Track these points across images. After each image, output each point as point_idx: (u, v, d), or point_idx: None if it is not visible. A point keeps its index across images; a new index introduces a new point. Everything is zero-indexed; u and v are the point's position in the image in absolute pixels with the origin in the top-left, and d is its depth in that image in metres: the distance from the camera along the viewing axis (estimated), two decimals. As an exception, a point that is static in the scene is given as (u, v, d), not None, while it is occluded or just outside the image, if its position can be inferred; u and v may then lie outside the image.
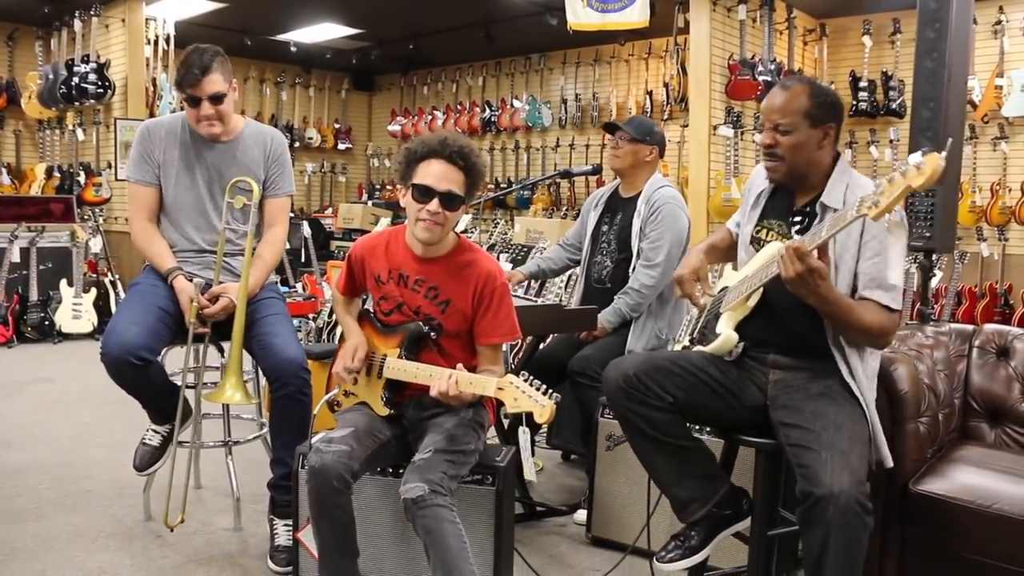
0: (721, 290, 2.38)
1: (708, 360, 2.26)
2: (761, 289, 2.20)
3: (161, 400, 2.89)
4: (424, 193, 2.27)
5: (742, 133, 6.97)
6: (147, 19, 7.74)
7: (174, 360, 2.99)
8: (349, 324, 2.55)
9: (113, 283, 6.61)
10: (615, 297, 3.34)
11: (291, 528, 2.80)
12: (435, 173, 2.28)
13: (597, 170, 3.39)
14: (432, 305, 2.40)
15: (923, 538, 2.43)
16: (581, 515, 3.17)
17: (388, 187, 11.32)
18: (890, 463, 2.18)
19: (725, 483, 2.26)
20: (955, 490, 2.37)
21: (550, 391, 2.08)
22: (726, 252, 2.52)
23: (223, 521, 3.12)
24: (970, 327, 3.04)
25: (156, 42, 7.72)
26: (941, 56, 3.17)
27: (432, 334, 2.40)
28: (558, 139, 9.57)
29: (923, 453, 2.55)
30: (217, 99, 2.81)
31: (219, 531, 3.05)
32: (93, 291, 6.69)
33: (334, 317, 5.49)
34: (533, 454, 2.66)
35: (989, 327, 3.03)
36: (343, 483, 2.14)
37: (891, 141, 7.35)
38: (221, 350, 3.10)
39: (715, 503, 2.22)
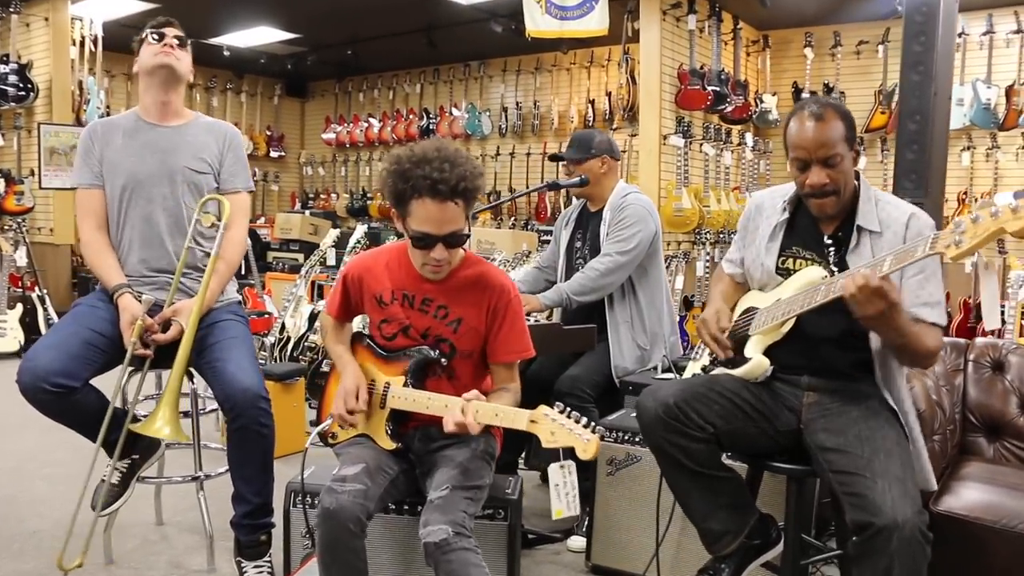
0: (746, 311, 2.28)
1: (740, 384, 2.16)
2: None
3: (107, 432, 2.60)
4: (425, 242, 2.09)
5: (691, 143, 6.98)
6: (72, 18, 7.31)
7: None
8: (343, 356, 2.35)
9: (41, 298, 6.20)
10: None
11: (262, 570, 2.62)
12: (433, 217, 2.05)
13: (585, 182, 3.29)
14: (443, 325, 2.24)
15: (945, 559, 2.37)
16: (575, 542, 3.05)
17: (322, 196, 11.05)
18: (934, 486, 2.12)
19: (755, 512, 2.16)
20: (977, 510, 2.33)
21: (592, 423, 1.94)
22: (737, 293, 2.43)
23: (194, 562, 2.88)
24: (963, 340, 3.03)
25: (82, 43, 7.30)
26: (927, 69, 3.16)
27: (443, 359, 2.23)
28: (498, 148, 9.47)
29: (937, 471, 2.51)
30: (181, 41, 2.73)
31: (192, 573, 2.81)
32: (19, 307, 6.26)
33: (286, 333, 5.25)
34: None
35: (981, 340, 3.03)
36: (359, 525, 1.97)
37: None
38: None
39: (746, 534, 2.12)
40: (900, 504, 1.78)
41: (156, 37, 2.69)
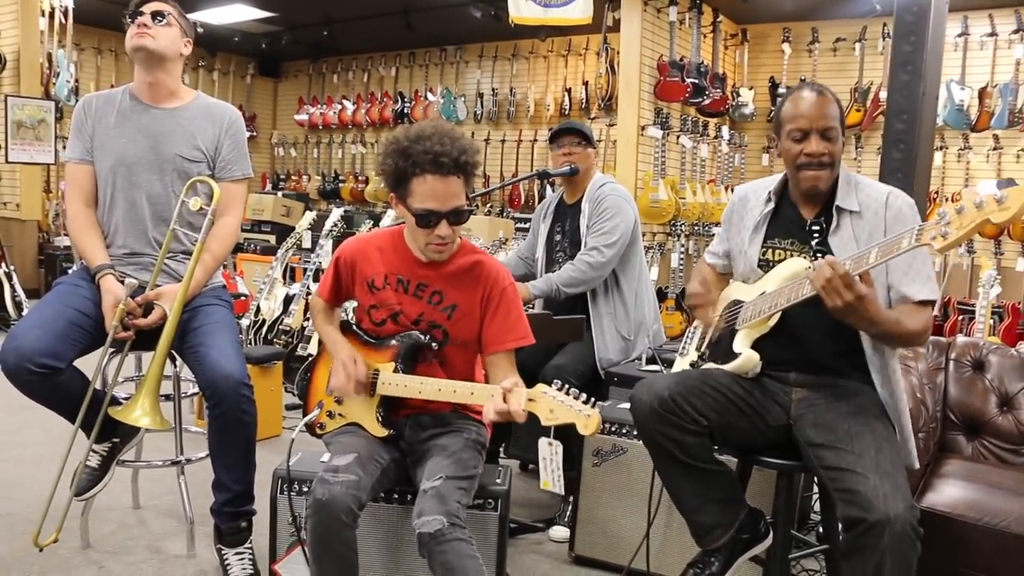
0: (731, 304, 2.28)
1: (731, 378, 2.16)
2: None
3: (86, 414, 2.54)
4: (428, 220, 2.07)
5: (668, 135, 6.99)
6: (42, -11, 7.14)
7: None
8: (333, 336, 2.32)
9: (8, 275, 6.05)
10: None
11: (243, 557, 2.57)
12: (436, 193, 2.04)
13: (575, 171, 3.28)
14: (437, 311, 2.22)
15: (929, 555, 2.40)
16: (557, 532, 3.05)
17: (294, 177, 10.92)
18: (916, 464, 2.15)
19: (745, 506, 2.17)
20: (960, 507, 2.36)
21: (592, 398, 1.92)
22: (719, 282, 2.45)
23: (174, 547, 2.83)
24: (944, 339, 3.07)
25: (52, 14, 7.12)
26: (916, 69, 3.18)
27: (434, 344, 2.21)
28: (473, 133, 9.42)
29: (921, 468, 2.54)
30: (159, 16, 2.56)
31: (171, 558, 2.76)
32: (-17, 284, 6.10)
33: (261, 316, 5.19)
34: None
35: (962, 339, 3.06)
36: (352, 516, 1.94)
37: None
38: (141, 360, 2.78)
39: (736, 527, 2.13)
40: (892, 499, 1.79)
41: (131, 18, 2.56)
